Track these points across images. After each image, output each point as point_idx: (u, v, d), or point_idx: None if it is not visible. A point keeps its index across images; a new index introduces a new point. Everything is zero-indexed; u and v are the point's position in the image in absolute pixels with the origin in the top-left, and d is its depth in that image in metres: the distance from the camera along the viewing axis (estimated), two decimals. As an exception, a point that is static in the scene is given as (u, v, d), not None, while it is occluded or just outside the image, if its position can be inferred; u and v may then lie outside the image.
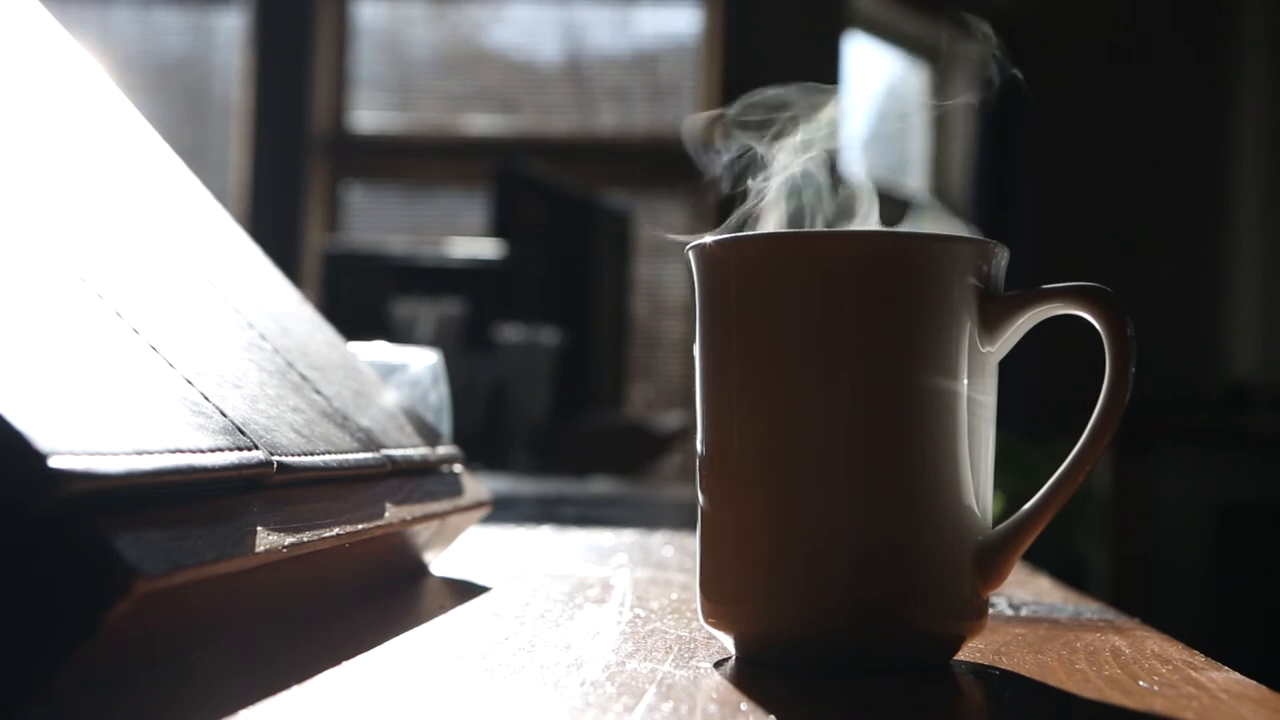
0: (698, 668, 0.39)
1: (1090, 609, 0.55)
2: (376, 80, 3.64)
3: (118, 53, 3.53)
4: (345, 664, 0.38)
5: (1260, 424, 3.11)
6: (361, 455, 0.50)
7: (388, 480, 0.53)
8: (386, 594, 0.53)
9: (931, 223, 0.46)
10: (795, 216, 0.45)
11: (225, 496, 0.38)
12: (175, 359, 0.41)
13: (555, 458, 2.09)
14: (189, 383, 0.40)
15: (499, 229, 2.51)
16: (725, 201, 0.46)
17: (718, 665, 0.40)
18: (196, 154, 3.41)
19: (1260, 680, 0.39)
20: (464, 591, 0.55)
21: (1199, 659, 0.43)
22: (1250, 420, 3.14)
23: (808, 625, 0.40)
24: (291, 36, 3.50)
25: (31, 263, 0.38)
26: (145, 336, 0.41)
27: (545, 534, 0.80)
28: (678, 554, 0.71)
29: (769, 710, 0.34)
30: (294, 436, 0.45)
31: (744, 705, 0.35)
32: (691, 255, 0.43)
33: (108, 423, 0.33)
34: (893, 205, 0.45)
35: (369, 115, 3.61)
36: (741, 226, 0.46)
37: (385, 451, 0.53)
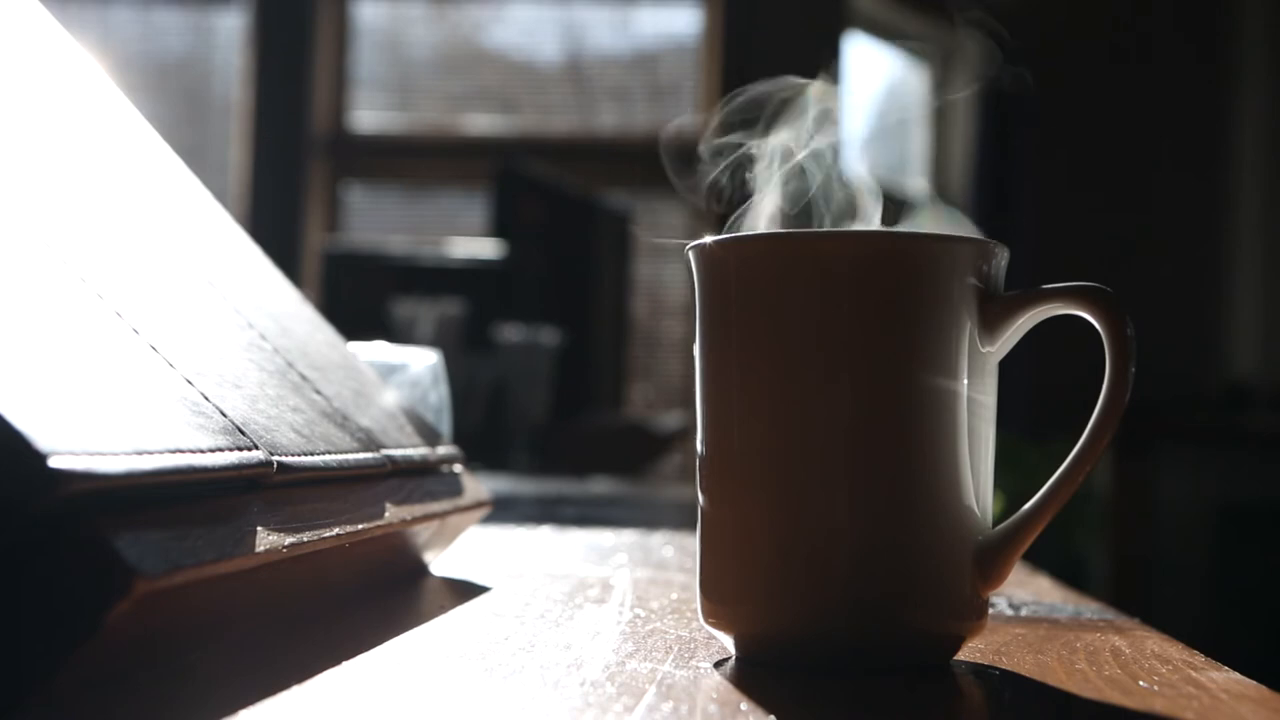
0: (698, 668, 0.39)
1: (1090, 609, 0.55)
2: (376, 80, 3.64)
3: (118, 53, 3.53)
4: (345, 664, 0.38)
5: (1260, 424, 3.11)
6: (361, 455, 0.50)
7: (388, 480, 0.53)
8: (386, 594, 0.53)
9: (936, 221, 0.46)
10: (793, 215, 0.45)
11: (225, 496, 0.38)
12: (175, 359, 0.41)
13: (555, 458, 2.09)
14: (189, 383, 0.40)
15: (499, 229, 2.51)
16: (723, 202, 0.46)
17: (718, 665, 0.40)
18: (196, 154, 3.41)
19: (1260, 680, 0.39)
20: (464, 591, 0.55)
21: (1199, 659, 0.43)
22: (1250, 420, 3.14)
23: (808, 625, 0.40)
24: (291, 36, 3.51)
25: (31, 263, 0.38)
26: (145, 336, 0.41)
27: (545, 534, 0.80)
28: (678, 554, 0.71)
29: (769, 710, 0.34)
30: (294, 436, 0.45)
31: (744, 705, 0.35)
32: (691, 255, 0.43)
33: (108, 423, 0.33)
34: (893, 204, 0.45)
35: (369, 115, 3.61)
36: (737, 227, 0.45)
37: (385, 451, 0.53)
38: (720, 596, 0.42)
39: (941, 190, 3.69)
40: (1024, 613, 0.53)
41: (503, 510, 0.92)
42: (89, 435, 0.31)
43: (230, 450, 0.38)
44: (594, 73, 3.60)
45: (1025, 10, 3.49)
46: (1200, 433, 3.07)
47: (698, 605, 0.43)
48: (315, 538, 0.42)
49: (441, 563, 0.63)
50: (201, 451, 0.36)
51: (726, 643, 0.42)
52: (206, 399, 0.40)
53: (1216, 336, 3.49)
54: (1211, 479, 3.03)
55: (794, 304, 0.40)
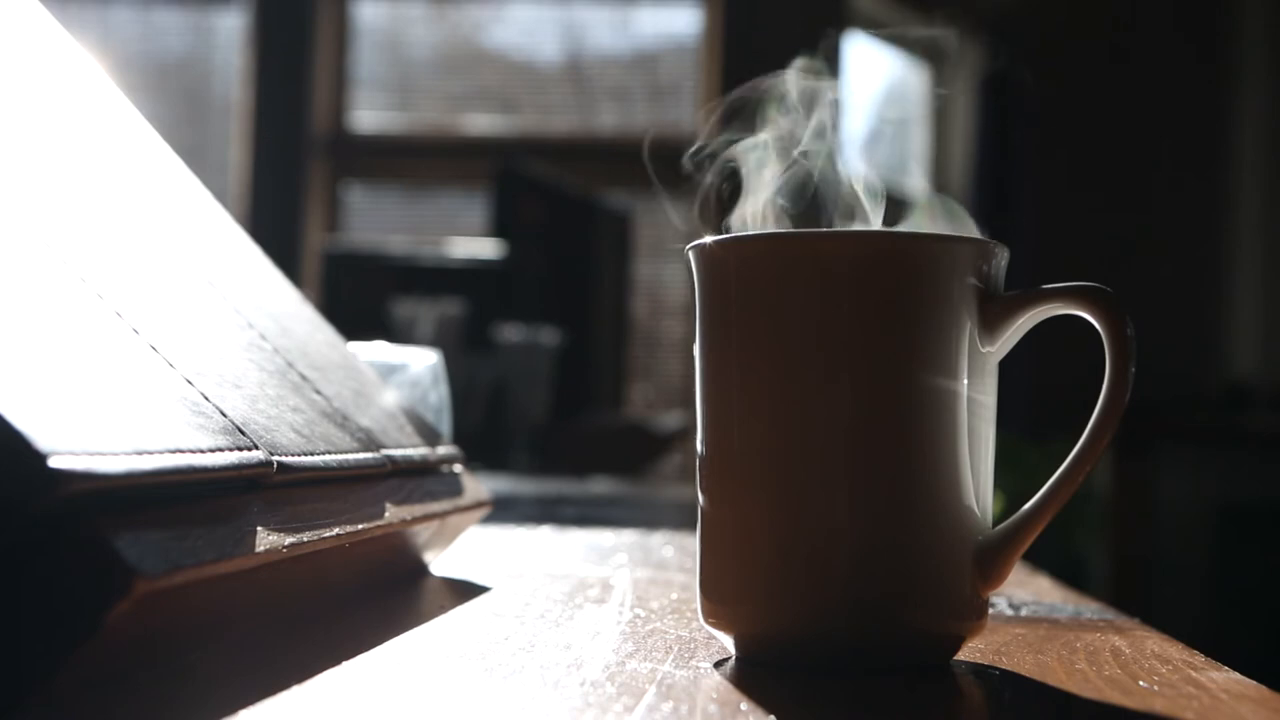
0: (698, 668, 0.39)
1: (1090, 609, 0.55)
2: (376, 80, 3.64)
3: (118, 53, 3.53)
4: (345, 664, 0.38)
5: (1260, 424, 3.11)
6: (361, 455, 0.50)
7: (388, 480, 0.53)
8: (386, 594, 0.53)
9: (938, 214, 0.46)
10: (791, 212, 0.45)
11: (225, 496, 0.38)
12: (175, 359, 0.41)
13: (555, 458, 2.09)
14: (189, 383, 0.40)
15: (499, 229, 2.51)
16: (720, 202, 0.46)
17: (718, 665, 0.40)
18: (196, 154, 3.41)
19: (1260, 680, 0.39)
20: (464, 591, 0.55)
21: (1199, 659, 0.43)
22: (1250, 420, 3.14)
23: (808, 625, 0.40)
24: (291, 36, 3.51)
25: (31, 263, 0.38)
26: (145, 336, 0.41)
27: (545, 534, 0.80)
28: (678, 554, 0.71)
29: (769, 710, 0.34)
30: (294, 436, 0.45)
31: (744, 705, 0.35)
32: (691, 255, 0.43)
33: (108, 423, 0.33)
34: (893, 203, 0.45)
35: (369, 115, 3.61)
36: (733, 223, 0.45)
37: (385, 451, 0.53)
38: (720, 596, 0.42)
39: (941, 190, 3.68)
40: (1024, 613, 0.53)
41: (503, 510, 0.92)
42: (89, 435, 0.31)
43: (230, 450, 0.38)
44: (594, 73, 3.60)
45: (1025, 10, 3.49)
46: (1200, 433, 3.07)
47: (698, 605, 0.43)
48: (315, 538, 0.42)
49: (441, 563, 0.63)
50: (201, 451, 0.36)
51: (726, 643, 0.42)
52: (206, 399, 0.40)
53: (1216, 336, 3.49)
54: (1211, 479, 3.03)
55: (794, 304, 0.40)
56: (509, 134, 3.56)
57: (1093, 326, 0.41)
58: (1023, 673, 0.40)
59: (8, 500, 0.29)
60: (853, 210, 0.46)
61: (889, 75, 3.75)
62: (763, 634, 0.41)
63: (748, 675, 0.39)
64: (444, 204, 3.64)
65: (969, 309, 0.40)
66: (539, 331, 2.16)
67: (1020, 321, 0.41)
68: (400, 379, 0.69)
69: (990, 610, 0.44)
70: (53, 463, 0.29)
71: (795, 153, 0.45)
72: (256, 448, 0.40)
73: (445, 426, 0.70)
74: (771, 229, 0.45)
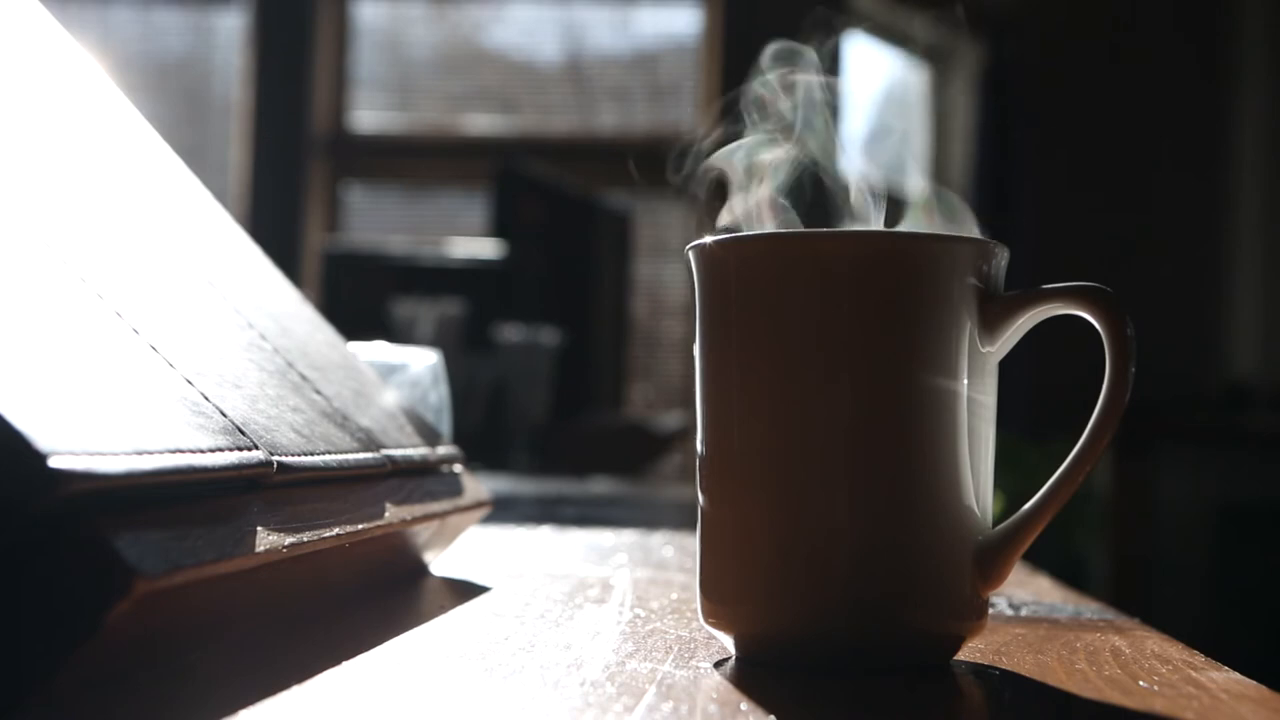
0: (698, 668, 0.39)
1: (1090, 609, 0.55)
2: (376, 80, 3.64)
3: (118, 53, 3.53)
4: (345, 664, 0.38)
5: (1260, 424, 3.11)
6: (361, 455, 0.50)
7: (388, 480, 0.53)
8: (386, 594, 0.53)
9: (939, 210, 0.46)
10: (789, 210, 0.45)
11: (225, 496, 0.38)
12: (175, 359, 0.41)
13: (555, 458, 2.09)
14: (189, 383, 0.40)
15: (499, 229, 2.51)
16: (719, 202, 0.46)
17: (718, 665, 0.40)
18: (196, 154, 3.41)
19: (1260, 680, 0.39)
20: (464, 591, 0.55)
21: (1199, 659, 0.43)
22: (1250, 420, 3.14)
23: (808, 625, 0.40)
24: (291, 36, 3.51)
25: (31, 263, 0.38)
26: (145, 336, 0.41)
27: (545, 534, 0.80)
28: (678, 554, 0.71)
29: (769, 710, 0.34)
30: (294, 436, 0.45)
31: (744, 705, 0.35)
32: (691, 255, 0.43)
33: (108, 423, 0.33)
34: (893, 203, 0.45)
35: (369, 115, 3.61)
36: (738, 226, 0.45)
37: (385, 451, 0.53)
38: (720, 596, 0.42)
39: (937, 192, 3.68)
40: (1024, 613, 0.53)
41: (503, 510, 0.92)
42: (89, 435, 0.31)
43: (230, 450, 0.38)
44: (594, 73, 3.60)
45: (1025, 10, 3.49)
46: (1200, 433, 3.07)
47: (698, 605, 0.43)
48: (315, 538, 0.42)
49: (441, 563, 0.63)
50: (201, 451, 0.36)
51: (726, 643, 0.42)
52: (206, 399, 0.40)
53: (1216, 336, 3.49)
54: (1211, 479, 3.03)
55: (794, 304, 0.40)
56: (509, 134, 3.56)
57: (1093, 326, 0.41)
58: (1023, 673, 0.40)
59: (8, 500, 0.29)
60: (852, 209, 0.46)
61: (889, 75, 3.75)
62: (763, 634, 0.41)
63: (748, 675, 0.39)
64: (444, 204, 3.65)
65: (969, 309, 0.40)
66: (539, 331, 2.16)
67: (1020, 321, 0.41)
68: (400, 379, 0.69)
69: (990, 610, 0.44)
70: (53, 463, 0.29)
71: (795, 152, 0.45)
72: (256, 448, 0.40)
73: (445, 426, 0.70)
74: (771, 229, 0.45)
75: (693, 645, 0.43)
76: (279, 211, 3.45)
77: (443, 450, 0.63)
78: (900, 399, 0.40)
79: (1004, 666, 0.41)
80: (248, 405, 0.43)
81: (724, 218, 0.45)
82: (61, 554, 0.30)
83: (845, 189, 0.46)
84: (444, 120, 3.59)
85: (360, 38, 3.63)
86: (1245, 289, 3.47)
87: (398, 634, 0.44)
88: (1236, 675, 0.40)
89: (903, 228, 0.45)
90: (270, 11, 3.50)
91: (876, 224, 0.45)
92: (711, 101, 3.37)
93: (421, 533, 0.57)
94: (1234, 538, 2.99)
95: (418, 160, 3.58)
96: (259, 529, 0.38)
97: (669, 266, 3.45)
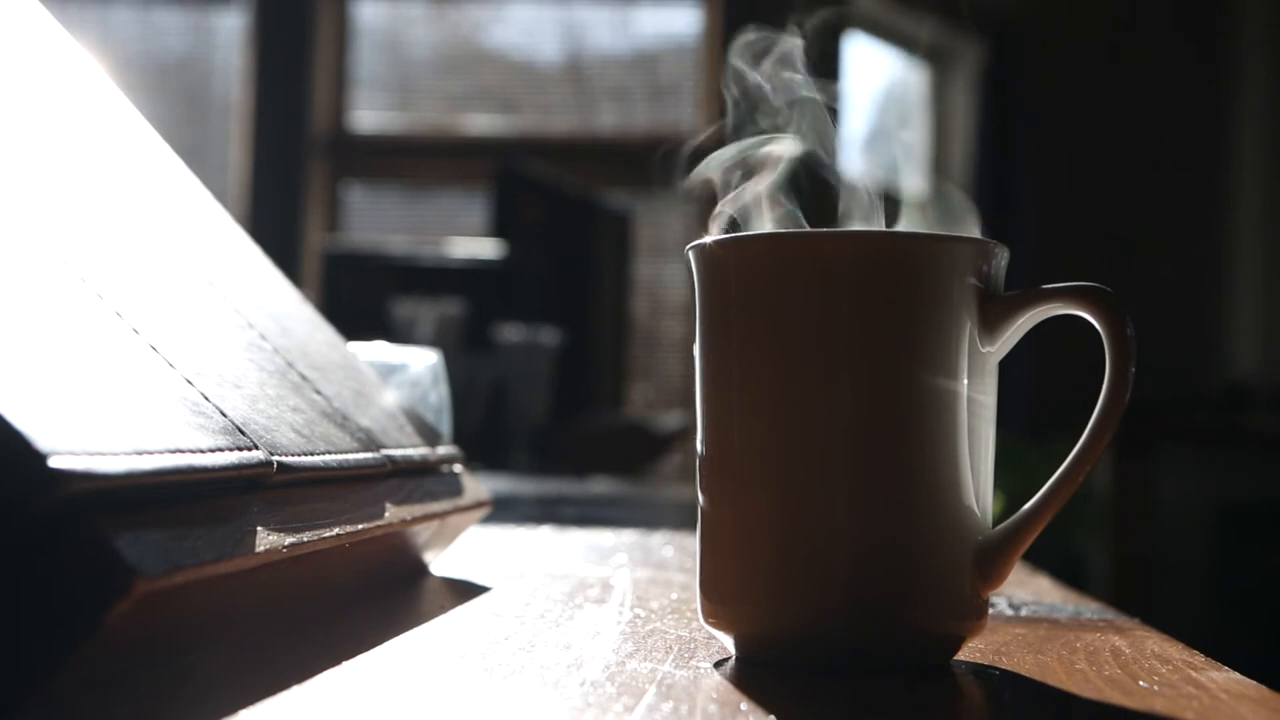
0: (698, 668, 0.39)
1: (1090, 609, 0.55)
2: (376, 80, 3.64)
3: (118, 53, 3.53)
4: (345, 664, 0.38)
5: (1260, 424, 3.11)
6: (361, 455, 0.50)
7: (388, 480, 0.53)
8: (386, 594, 0.53)
9: (946, 215, 0.46)
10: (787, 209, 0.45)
11: (225, 496, 0.38)
12: (175, 359, 0.41)
13: (555, 458, 2.09)
14: (189, 383, 0.40)
15: (499, 229, 2.51)
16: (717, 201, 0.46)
17: (718, 665, 0.40)
18: (196, 154, 3.41)
19: (1260, 680, 0.39)
20: (464, 591, 0.55)
21: (1199, 659, 0.43)
22: (1250, 420, 3.14)
23: (808, 625, 0.40)
24: (291, 36, 3.51)
25: (31, 263, 0.38)
26: (145, 336, 0.41)
27: (545, 534, 0.80)
28: (678, 554, 0.71)
29: (769, 710, 0.34)
30: (294, 436, 0.45)
31: (744, 705, 0.35)
32: (691, 255, 0.43)
33: (108, 423, 0.33)
34: (891, 202, 0.45)
35: (369, 115, 3.61)
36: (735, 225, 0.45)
37: (385, 451, 0.53)
38: (720, 596, 0.42)
39: (941, 190, 3.68)
40: (1024, 613, 0.53)
41: (503, 510, 0.92)
42: (89, 435, 0.31)
43: (230, 450, 0.38)
44: (594, 73, 3.60)
45: (1025, 10, 3.49)
46: (1200, 433, 3.07)
47: (698, 605, 0.43)
48: (315, 538, 0.42)
49: (441, 563, 0.63)
50: (201, 451, 0.36)
51: (726, 643, 0.42)
52: (206, 399, 0.40)
53: (1216, 336, 3.49)
54: (1211, 479, 3.03)
55: (794, 304, 0.40)
56: (509, 134, 3.56)
57: (1093, 326, 0.41)
58: (1023, 673, 0.40)
59: (8, 500, 0.29)
60: (850, 209, 0.46)
61: (889, 75, 3.75)
62: (763, 634, 0.41)
63: (748, 675, 0.39)
64: (444, 204, 3.65)
65: (969, 309, 0.40)
66: (539, 331, 2.16)
67: (1020, 321, 0.41)
68: (400, 379, 0.69)
69: (990, 610, 0.44)
70: (53, 463, 0.29)
71: (793, 153, 0.45)
72: (256, 448, 0.40)
73: (445, 426, 0.70)
74: (771, 229, 0.45)
75: (693, 645, 0.43)
76: (279, 211, 3.45)
77: (443, 450, 0.63)
78: (900, 399, 0.40)
79: (1004, 666, 0.41)
80: (248, 405, 0.43)
81: (723, 218, 0.45)
82: (61, 554, 0.30)
83: (845, 189, 0.46)
84: (444, 120, 3.59)
85: (360, 38, 3.63)
86: (1245, 289, 3.47)
87: (398, 634, 0.44)
88: (1236, 675, 0.40)
89: (902, 228, 0.45)
90: (270, 11, 3.50)
91: (876, 223, 0.45)
92: (711, 101, 3.37)
93: (421, 533, 0.57)
94: (1234, 538, 2.99)
95: (418, 160, 3.58)
96: (259, 529, 0.38)
97: (669, 266, 3.45)
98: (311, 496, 0.44)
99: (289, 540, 0.39)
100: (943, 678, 0.40)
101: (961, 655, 0.42)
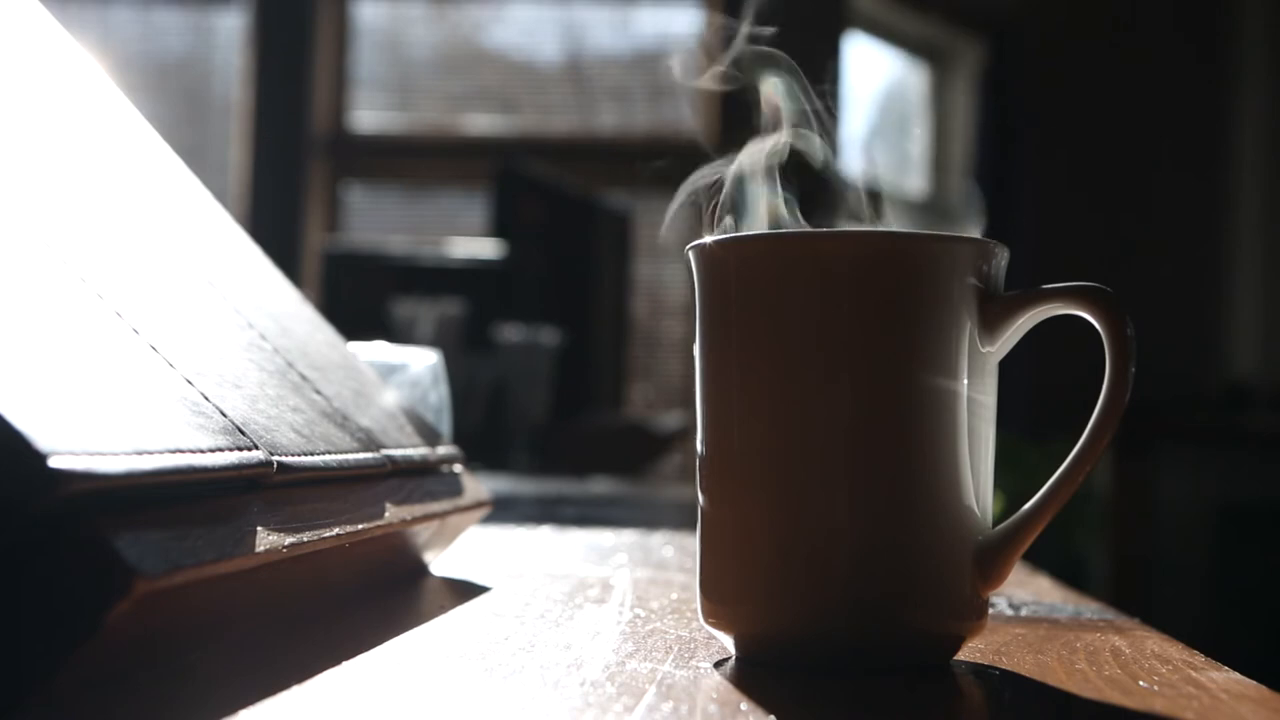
0: (698, 668, 0.39)
1: (1090, 609, 0.55)
2: (376, 80, 3.64)
3: (118, 53, 3.53)
4: (345, 664, 0.38)
5: (1260, 424, 3.11)
6: (361, 455, 0.50)
7: (388, 480, 0.53)
8: (386, 594, 0.53)
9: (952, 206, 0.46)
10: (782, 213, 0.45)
11: (225, 496, 0.38)
12: (175, 359, 0.41)
13: (555, 458, 2.09)
14: (189, 383, 0.40)
15: (499, 229, 2.51)
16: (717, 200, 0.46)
17: (718, 665, 0.40)
18: (196, 154, 3.41)
19: (1260, 680, 0.39)
20: (464, 591, 0.55)
21: (1199, 659, 0.43)
22: (1250, 420, 3.14)
23: (808, 625, 0.40)
24: (291, 36, 3.51)
25: (31, 263, 0.38)
26: (145, 336, 0.41)
27: (545, 534, 0.80)
28: (678, 554, 0.71)
29: (769, 710, 0.34)
30: (294, 436, 0.45)
31: (744, 705, 0.35)
32: (691, 255, 0.43)
33: (108, 423, 0.33)
34: (883, 200, 0.45)
35: (369, 115, 3.61)
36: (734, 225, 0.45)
37: (385, 451, 0.53)
38: (720, 596, 0.42)
39: (941, 190, 3.69)
40: (1024, 613, 0.53)
41: (503, 510, 0.92)
42: (89, 435, 0.31)
43: (230, 450, 0.38)
44: (594, 73, 3.60)
45: (1025, 10, 3.49)
46: (1200, 433, 3.07)
47: (698, 605, 0.43)
48: (315, 538, 0.42)
49: (441, 563, 0.63)
50: (201, 451, 0.36)
51: (726, 643, 0.42)
52: (206, 399, 0.40)
53: (1216, 336, 3.49)
54: (1211, 479, 3.03)
55: (794, 304, 0.40)
56: (509, 134, 3.56)
57: (1093, 326, 0.41)
58: (1023, 673, 0.40)
59: (8, 500, 0.29)
60: (849, 209, 0.46)
61: (889, 76, 3.75)
62: (763, 634, 0.41)
63: (748, 675, 0.39)
64: (444, 204, 3.64)
65: (969, 309, 0.40)
66: (539, 331, 2.16)
67: (1020, 321, 0.41)
68: (400, 379, 0.69)
69: (990, 610, 0.44)
70: (53, 463, 0.29)
71: (791, 153, 0.45)
72: (256, 448, 0.40)
73: (445, 426, 0.70)
74: (771, 229, 0.45)
75: (693, 645, 0.43)
76: (279, 211, 3.45)
77: (443, 450, 0.63)
78: (900, 399, 0.40)
79: (1004, 666, 0.41)
80: (248, 405, 0.43)
81: (723, 219, 0.45)
82: (61, 554, 0.30)
83: (844, 189, 0.46)
84: (444, 120, 3.59)
85: (360, 38, 3.63)
86: (1245, 289, 3.47)
87: (398, 634, 0.44)
88: (1236, 675, 0.40)
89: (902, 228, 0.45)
90: (270, 11, 3.50)
91: (875, 223, 0.45)
92: (711, 101, 3.37)
93: (421, 533, 0.57)
94: (1234, 538, 2.99)
95: (418, 160, 3.58)
96: (259, 529, 0.38)
97: (669, 266, 3.45)
98: (311, 496, 0.44)
99: (289, 540, 0.39)
100: (943, 678, 0.40)
101: (961, 655, 0.42)
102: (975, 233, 0.44)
